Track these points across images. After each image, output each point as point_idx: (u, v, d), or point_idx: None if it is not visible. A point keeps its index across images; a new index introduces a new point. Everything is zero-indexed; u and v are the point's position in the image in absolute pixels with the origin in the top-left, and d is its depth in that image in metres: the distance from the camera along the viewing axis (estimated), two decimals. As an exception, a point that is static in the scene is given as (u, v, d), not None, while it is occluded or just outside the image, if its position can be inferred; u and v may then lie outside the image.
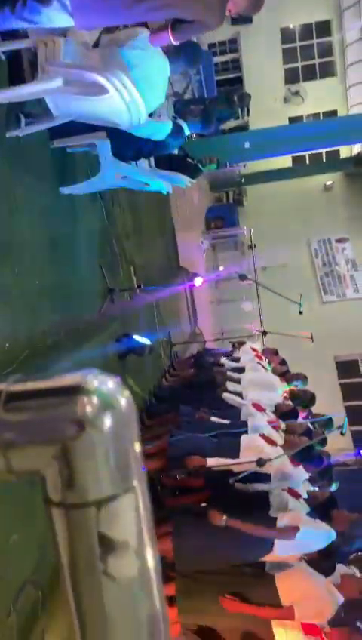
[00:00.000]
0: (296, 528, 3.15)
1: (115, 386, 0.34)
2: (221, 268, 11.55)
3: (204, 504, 3.65)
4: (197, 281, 7.35)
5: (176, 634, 3.30)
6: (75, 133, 3.92)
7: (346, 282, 12.90)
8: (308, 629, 3.14)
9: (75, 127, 3.64)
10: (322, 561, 3.17)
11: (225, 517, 3.20)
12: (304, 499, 3.58)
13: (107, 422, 0.32)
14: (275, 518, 3.28)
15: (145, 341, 5.41)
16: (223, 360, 6.27)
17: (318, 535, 3.18)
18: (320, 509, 3.49)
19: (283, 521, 3.25)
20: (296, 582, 3.20)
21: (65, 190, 4.21)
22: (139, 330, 5.76)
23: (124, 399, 0.34)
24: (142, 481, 0.33)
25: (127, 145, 3.97)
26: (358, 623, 2.90)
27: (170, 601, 3.39)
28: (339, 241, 13.47)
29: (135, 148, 4.05)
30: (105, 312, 4.98)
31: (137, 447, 0.34)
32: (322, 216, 13.57)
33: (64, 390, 0.32)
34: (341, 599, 3.02)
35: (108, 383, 0.34)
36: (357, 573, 3.34)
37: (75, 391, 0.32)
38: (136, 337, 5.31)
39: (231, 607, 3.20)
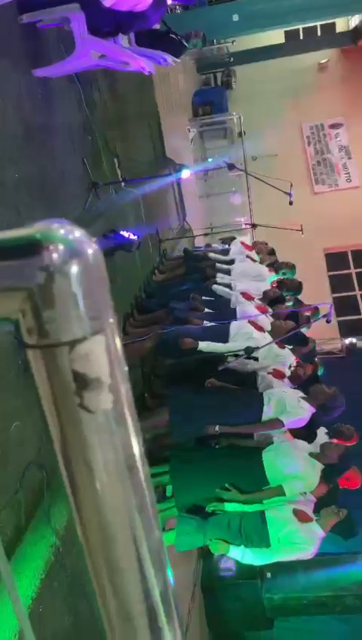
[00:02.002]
0: (280, 422, 3.42)
1: (82, 236, 0.34)
2: (210, 159, 11.10)
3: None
4: (185, 173, 7.08)
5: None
6: (45, 6, 3.57)
7: (338, 171, 12.52)
8: None
9: (45, -1, 3.30)
10: (303, 430, 3.48)
11: (217, 427, 3.46)
12: (287, 377, 3.81)
13: (74, 269, 0.33)
14: (262, 395, 3.53)
15: (133, 237, 5.35)
16: (212, 251, 6.26)
17: (301, 419, 3.44)
18: (303, 385, 3.74)
19: (269, 407, 3.50)
20: (282, 461, 3.53)
21: (39, 72, 3.91)
22: (126, 226, 5.66)
23: (91, 249, 0.34)
24: (113, 326, 0.35)
25: (104, 18, 3.62)
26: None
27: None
28: (333, 126, 12.86)
29: (112, 21, 3.71)
30: (89, 207, 4.86)
31: (106, 295, 0.35)
32: (315, 100, 12.81)
33: (30, 239, 0.33)
34: (321, 467, 3.35)
35: (75, 233, 0.34)
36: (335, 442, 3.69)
37: (41, 239, 0.33)
38: (123, 233, 5.23)
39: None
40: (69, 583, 2.95)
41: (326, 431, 4.21)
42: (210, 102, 11.68)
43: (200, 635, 6.05)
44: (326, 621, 6.49)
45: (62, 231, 0.34)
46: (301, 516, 3.34)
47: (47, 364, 0.33)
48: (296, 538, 3.28)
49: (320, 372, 4.60)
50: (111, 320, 0.35)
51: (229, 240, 6.92)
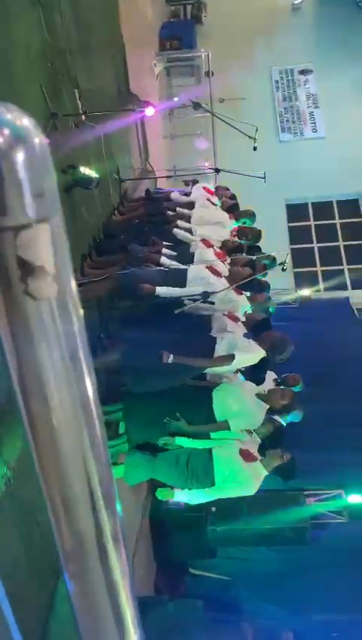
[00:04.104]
0: (232, 356, 3.52)
1: (30, 124, 0.34)
2: (176, 99, 10.70)
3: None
4: (149, 111, 6.81)
5: None
6: None
7: (305, 120, 12.36)
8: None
9: None
10: (254, 372, 3.63)
11: (171, 355, 3.52)
12: (241, 322, 3.92)
13: (19, 155, 0.33)
14: (215, 338, 3.62)
15: (93, 174, 5.19)
16: (173, 195, 6.16)
17: (251, 357, 3.56)
18: (255, 329, 3.86)
19: (221, 346, 3.59)
20: (231, 398, 3.68)
21: (-5, -15, 3.61)
22: (86, 162, 5.47)
23: (38, 138, 0.34)
24: (58, 220, 0.36)
25: None
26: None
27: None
28: (303, 72, 12.58)
29: None
30: (47, 139, 4.64)
31: (54, 188, 0.35)
32: (287, 43, 12.41)
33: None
34: (266, 407, 3.55)
35: (23, 119, 0.34)
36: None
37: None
38: (83, 169, 5.06)
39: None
40: (20, 512, 3.04)
41: (275, 377, 4.42)
42: (178, 36, 11.13)
43: (146, 564, 6.40)
44: (262, 552, 6.99)
45: (8, 115, 0.33)
46: (246, 456, 3.54)
47: (-9, 248, 0.34)
48: (239, 477, 3.50)
49: (271, 309, 4.78)
50: (57, 212, 0.35)
51: (192, 182, 6.83)
